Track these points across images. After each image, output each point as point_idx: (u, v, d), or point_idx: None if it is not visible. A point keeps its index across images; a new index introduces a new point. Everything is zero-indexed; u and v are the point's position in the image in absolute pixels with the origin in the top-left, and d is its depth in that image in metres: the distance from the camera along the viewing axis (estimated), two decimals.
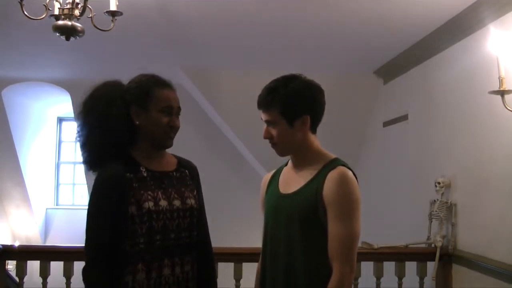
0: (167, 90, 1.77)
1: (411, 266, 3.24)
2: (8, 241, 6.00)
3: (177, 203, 1.75)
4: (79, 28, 2.16)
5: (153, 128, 1.73)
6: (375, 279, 3.25)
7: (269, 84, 1.75)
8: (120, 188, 1.66)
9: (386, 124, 4.46)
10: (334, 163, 1.70)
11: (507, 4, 2.64)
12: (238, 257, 3.15)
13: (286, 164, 1.88)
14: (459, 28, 3.12)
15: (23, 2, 2.10)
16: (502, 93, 2.42)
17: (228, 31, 3.58)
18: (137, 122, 1.74)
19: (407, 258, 3.25)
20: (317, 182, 1.67)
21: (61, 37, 2.18)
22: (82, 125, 1.78)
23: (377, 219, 4.52)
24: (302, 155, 1.77)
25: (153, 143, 1.77)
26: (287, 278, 1.70)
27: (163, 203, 1.71)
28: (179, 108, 1.80)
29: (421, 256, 3.27)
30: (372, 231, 4.39)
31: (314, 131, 1.78)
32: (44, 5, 2.16)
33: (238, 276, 3.16)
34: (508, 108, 2.43)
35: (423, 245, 3.32)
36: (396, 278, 3.23)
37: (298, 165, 1.79)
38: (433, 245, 3.21)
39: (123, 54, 4.30)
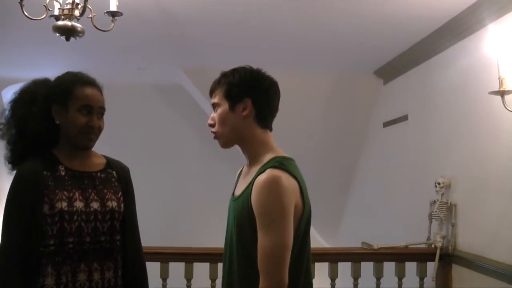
0: (88, 89, 1.68)
1: (411, 267, 3.24)
2: None
3: (95, 205, 1.65)
4: (79, 29, 2.17)
5: (70, 128, 1.66)
6: (375, 279, 3.25)
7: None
8: (35, 185, 1.58)
9: (386, 124, 4.46)
10: (267, 164, 1.52)
11: (507, 5, 2.64)
12: None
13: None
14: (459, 28, 3.12)
15: (23, 3, 2.11)
16: (502, 93, 2.42)
17: (228, 31, 3.58)
18: (57, 122, 1.67)
19: (407, 259, 3.25)
20: (250, 187, 1.51)
21: (61, 37, 2.19)
22: (6, 124, 1.73)
23: (377, 219, 4.53)
24: (250, 152, 1.63)
25: (72, 144, 1.69)
26: (228, 286, 1.61)
27: (78, 204, 1.62)
28: (101, 108, 1.70)
29: (421, 256, 3.27)
30: (372, 231, 4.40)
31: (263, 125, 1.62)
32: (44, 5, 2.16)
33: None
34: (508, 108, 2.43)
35: (423, 246, 3.32)
36: (396, 279, 3.23)
37: (249, 164, 1.64)
38: (433, 246, 3.21)
39: (123, 54, 4.30)
